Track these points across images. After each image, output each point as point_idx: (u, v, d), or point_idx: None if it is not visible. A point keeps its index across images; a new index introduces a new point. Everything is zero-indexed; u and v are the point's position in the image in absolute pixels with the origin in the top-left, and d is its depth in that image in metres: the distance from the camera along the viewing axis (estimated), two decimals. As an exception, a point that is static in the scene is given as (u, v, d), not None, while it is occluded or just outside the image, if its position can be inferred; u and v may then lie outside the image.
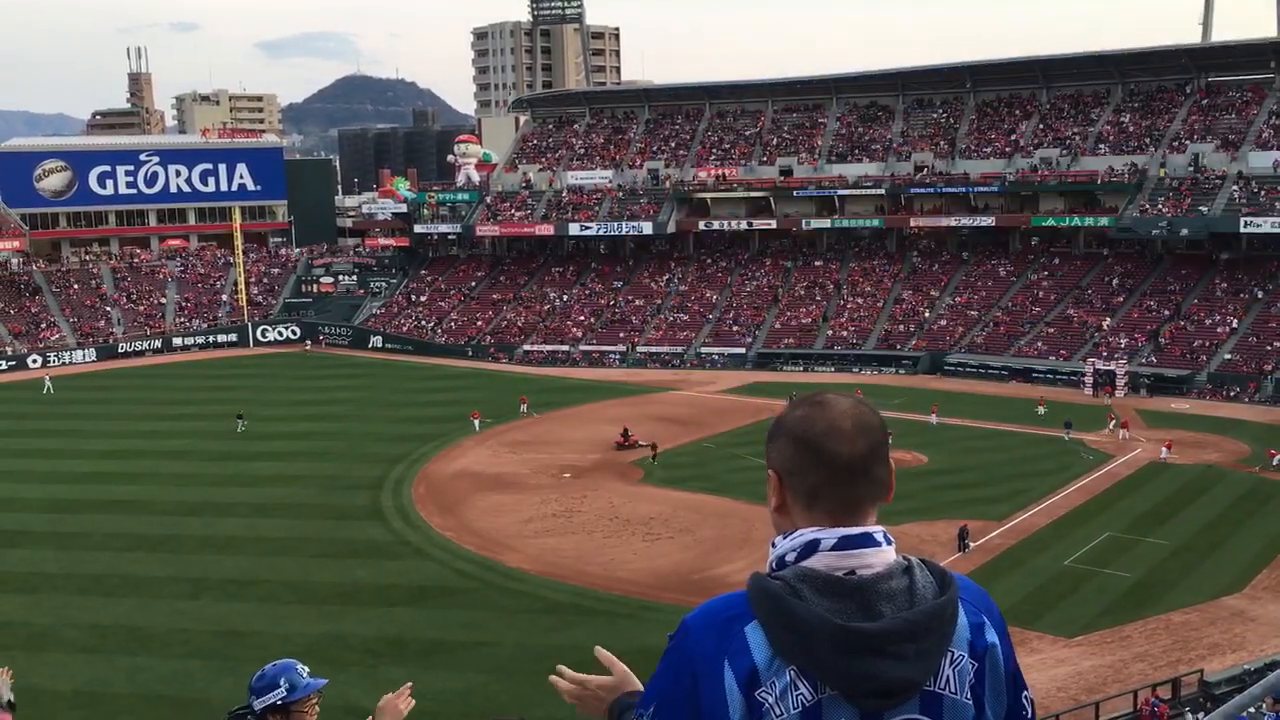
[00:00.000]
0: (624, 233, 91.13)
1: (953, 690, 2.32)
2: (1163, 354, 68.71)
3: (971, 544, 38.15)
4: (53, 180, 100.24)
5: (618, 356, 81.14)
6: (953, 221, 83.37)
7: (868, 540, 2.35)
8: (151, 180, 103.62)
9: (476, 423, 58.78)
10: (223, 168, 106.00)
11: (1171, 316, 71.83)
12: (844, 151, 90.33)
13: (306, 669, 4.95)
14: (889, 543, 2.37)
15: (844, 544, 2.34)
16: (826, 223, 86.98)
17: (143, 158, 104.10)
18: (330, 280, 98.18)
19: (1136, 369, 66.74)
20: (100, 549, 40.08)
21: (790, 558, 2.36)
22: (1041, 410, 58.83)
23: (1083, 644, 30.87)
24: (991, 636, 2.40)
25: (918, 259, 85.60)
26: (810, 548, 2.35)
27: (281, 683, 4.86)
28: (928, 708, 2.31)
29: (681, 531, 41.23)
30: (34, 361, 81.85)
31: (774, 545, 2.42)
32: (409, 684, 4.79)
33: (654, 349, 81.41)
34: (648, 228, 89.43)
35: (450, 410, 62.41)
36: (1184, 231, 73.36)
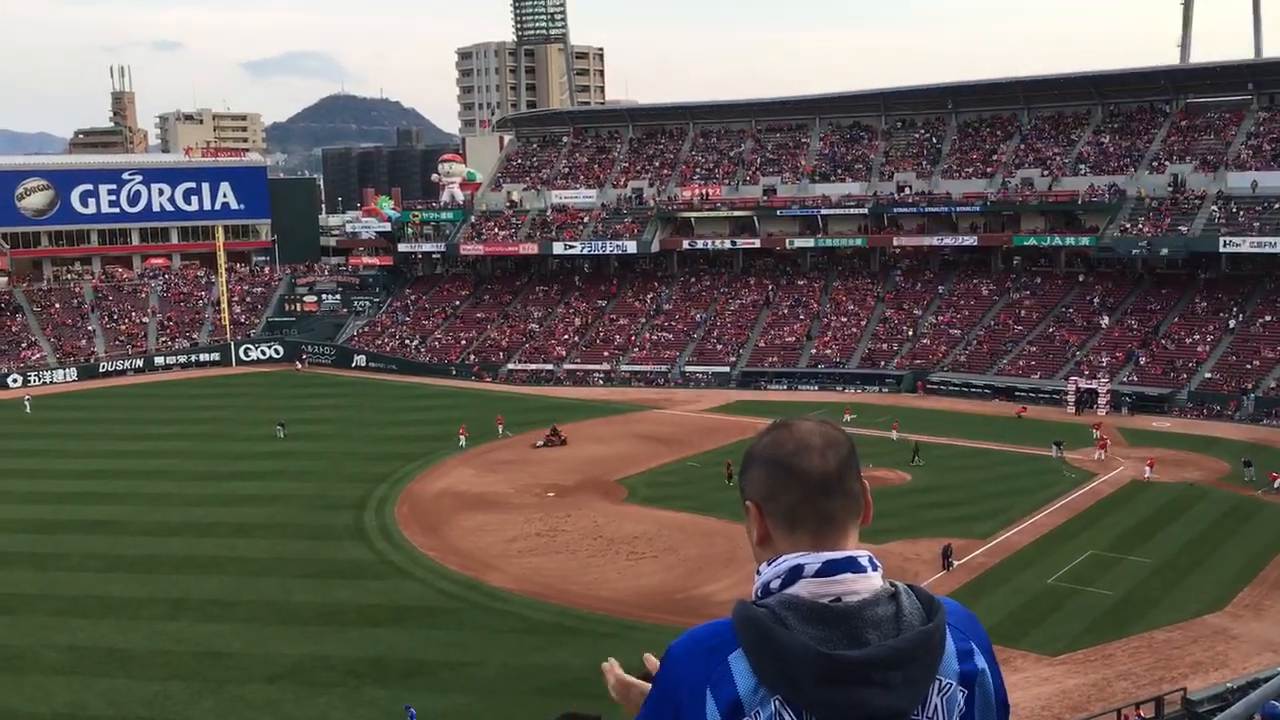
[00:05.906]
0: (608, 252, 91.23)
1: (941, 719, 2.29)
2: (1144, 373, 69.10)
3: (955, 562, 38.16)
4: (34, 199, 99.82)
5: (602, 376, 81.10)
6: (935, 241, 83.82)
7: (852, 565, 2.32)
8: (134, 199, 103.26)
9: (463, 439, 58.67)
10: (206, 187, 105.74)
11: (1152, 335, 72.28)
12: (827, 171, 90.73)
13: None
14: (875, 568, 2.34)
15: (828, 569, 2.31)
16: (810, 242, 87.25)
17: (125, 177, 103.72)
18: (314, 299, 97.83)
19: (1118, 387, 67.11)
20: (79, 570, 39.77)
21: (775, 585, 2.34)
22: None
23: (1066, 662, 30.92)
24: (980, 663, 2.36)
25: (900, 278, 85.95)
26: (794, 573, 2.32)
27: None
28: None
29: (665, 550, 41.15)
30: (14, 381, 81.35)
31: (759, 572, 2.41)
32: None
33: (638, 368, 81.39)
34: (632, 247, 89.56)
35: (434, 429, 62.22)
36: (1164, 251, 73.92)
